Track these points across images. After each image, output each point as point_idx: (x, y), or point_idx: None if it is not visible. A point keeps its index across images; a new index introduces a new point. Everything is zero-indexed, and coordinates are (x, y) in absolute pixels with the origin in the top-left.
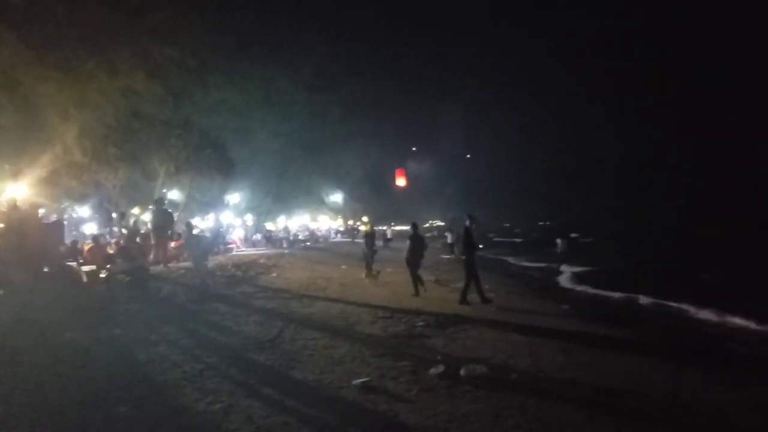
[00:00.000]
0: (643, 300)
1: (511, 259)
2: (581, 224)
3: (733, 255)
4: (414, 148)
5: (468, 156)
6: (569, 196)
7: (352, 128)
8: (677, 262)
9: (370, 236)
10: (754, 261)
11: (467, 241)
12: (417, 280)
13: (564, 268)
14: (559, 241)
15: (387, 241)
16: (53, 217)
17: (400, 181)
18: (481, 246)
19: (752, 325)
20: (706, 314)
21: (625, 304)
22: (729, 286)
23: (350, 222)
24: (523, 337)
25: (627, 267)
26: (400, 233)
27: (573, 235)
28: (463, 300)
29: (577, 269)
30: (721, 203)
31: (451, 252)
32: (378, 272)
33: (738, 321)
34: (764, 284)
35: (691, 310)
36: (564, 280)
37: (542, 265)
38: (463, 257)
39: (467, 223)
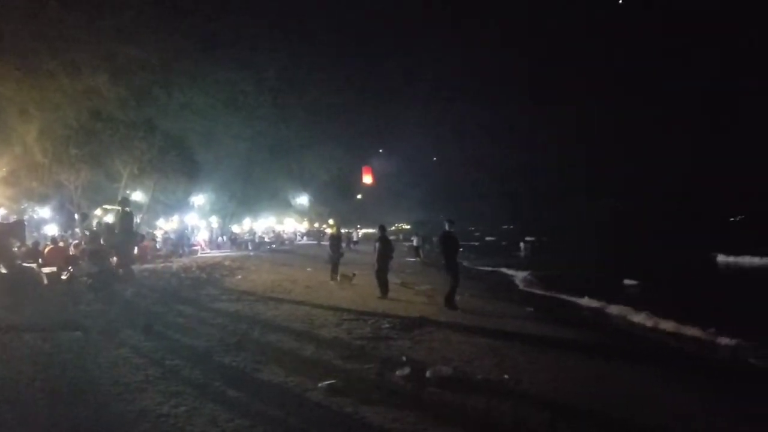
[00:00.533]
0: (591, 303)
1: (476, 264)
2: (542, 227)
3: (657, 260)
4: (380, 150)
5: (435, 159)
6: (533, 198)
7: (317, 131)
8: (608, 266)
9: (335, 239)
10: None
11: (447, 245)
12: (384, 283)
13: (520, 273)
14: (522, 244)
15: (353, 243)
16: (13, 218)
17: (367, 179)
18: (461, 249)
19: (687, 329)
20: (642, 318)
21: (579, 308)
22: (651, 291)
23: (316, 225)
24: (488, 340)
25: (575, 270)
26: (366, 236)
27: (529, 238)
28: (451, 305)
29: (538, 273)
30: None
31: (417, 255)
32: (353, 275)
33: (669, 325)
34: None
35: (629, 313)
36: (525, 283)
37: (511, 272)
38: (443, 262)
39: (447, 227)
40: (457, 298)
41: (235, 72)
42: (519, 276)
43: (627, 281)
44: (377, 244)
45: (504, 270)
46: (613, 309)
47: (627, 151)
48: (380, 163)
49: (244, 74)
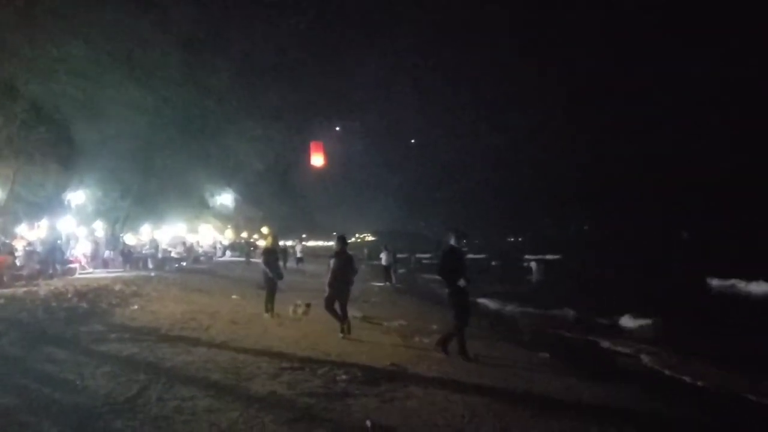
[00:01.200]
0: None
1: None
2: (551, 240)
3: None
4: (338, 128)
5: (413, 141)
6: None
7: (247, 101)
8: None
9: (272, 254)
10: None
11: (452, 268)
12: (342, 315)
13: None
14: (533, 264)
15: (297, 261)
16: None
17: (316, 159)
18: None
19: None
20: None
21: (606, 353)
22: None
23: (244, 234)
24: (486, 399)
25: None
26: (315, 251)
27: (547, 257)
28: (446, 349)
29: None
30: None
31: (386, 278)
32: (307, 307)
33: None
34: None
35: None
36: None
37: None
38: (447, 290)
39: (452, 241)
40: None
41: (130, 12)
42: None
43: (638, 321)
44: (332, 261)
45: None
46: (645, 358)
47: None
48: (335, 143)
49: (144, 16)
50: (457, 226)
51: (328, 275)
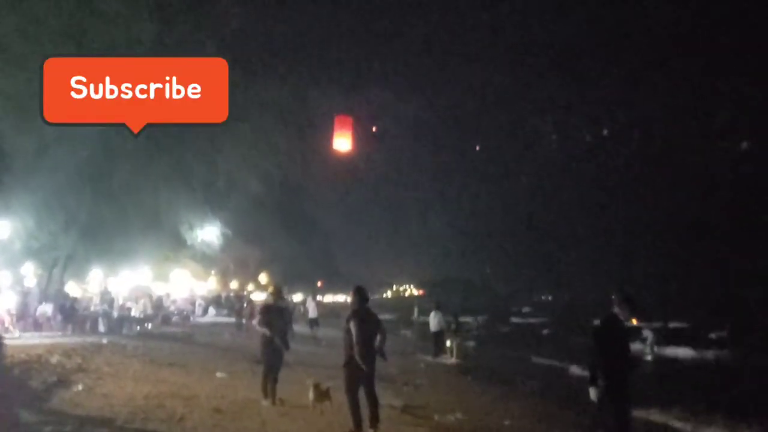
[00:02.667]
0: None
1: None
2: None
3: None
4: (374, 128)
5: (477, 148)
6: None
7: (242, 96)
8: None
9: (273, 313)
10: None
11: (611, 349)
12: (372, 403)
13: None
14: (649, 334)
15: (312, 323)
16: None
17: (342, 142)
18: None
19: None
20: None
21: None
22: None
23: (234, 285)
24: None
25: None
26: (334, 309)
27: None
28: None
29: None
30: None
31: (438, 349)
32: (326, 390)
33: None
34: None
35: None
36: None
37: None
38: (595, 386)
39: (615, 308)
40: None
41: None
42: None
43: None
44: (351, 325)
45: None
46: None
47: None
48: (368, 150)
49: None
50: (622, 286)
51: (345, 345)
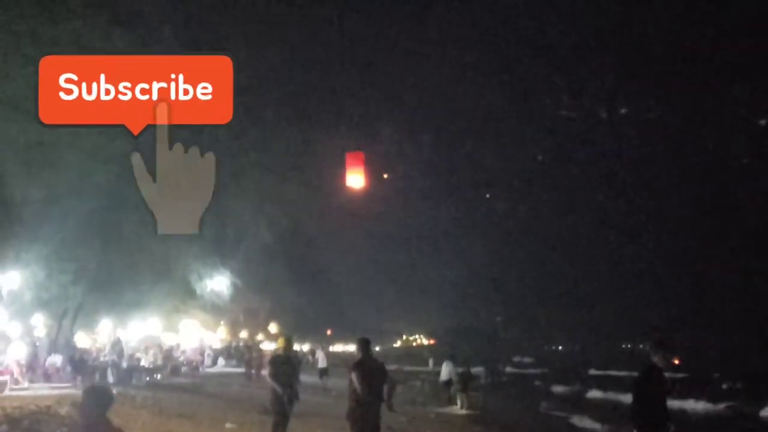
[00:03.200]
0: None
1: None
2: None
3: None
4: (385, 175)
5: (488, 196)
6: None
7: (253, 147)
8: None
9: (283, 364)
10: None
11: (648, 402)
12: None
13: None
14: None
15: (321, 373)
16: None
17: (355, 179)
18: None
19: None
20: None
21: None
22: None
23: (244, 335)
24: None
25: None
26: (344, 358)
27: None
28: None
29: None
30: None
31: (449, 399)
32: None
33: None
34: None
35: None
36: None
37: None
38: None
39: (653, 357)
40: None
41: (99, 24)
42: None
43: None
44: (353, 375)
45: None
46: None
47: None
48: (380, 196)
49: (114, 27)
50: (659, 333)
51: (349, 399)
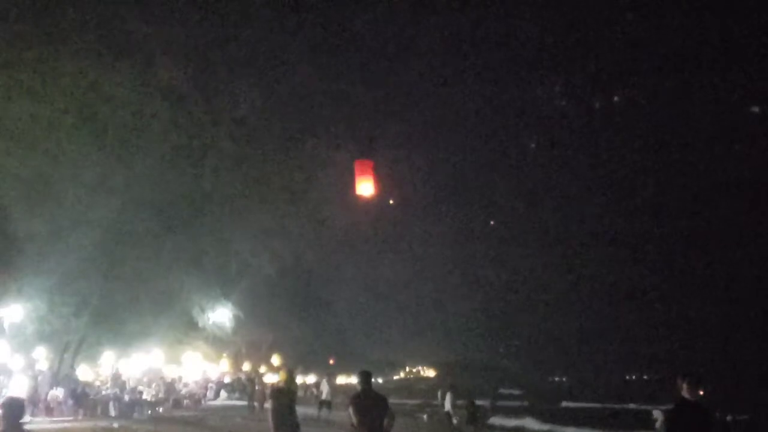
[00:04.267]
0: None
1: None
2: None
3: None
4: (391, 201)
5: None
6: None
7: (256, 181)
8: None
9: (285, 396)
10: None
11: None
12: None
13: None
14: (659, 415)
15: (323, 406)
16: None
17: (365, 187)
18: None
19: None
20: None
21: None
22: None
23: (246, 367)
24: None
25: None
26: (347, 391)
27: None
28: None
29: None
30: None
31: (452, 429)
32: None
33: None
34: None
35: None
36: None
37: None
38: None
39: (682, 392)
40: None
41: (102, 61)
42: None
43: None
44: (351, 408)
45: None
46: None
47: None
48: (383, 220)
49: (118, 65)
50: (691, 370)
51: (349, 429)
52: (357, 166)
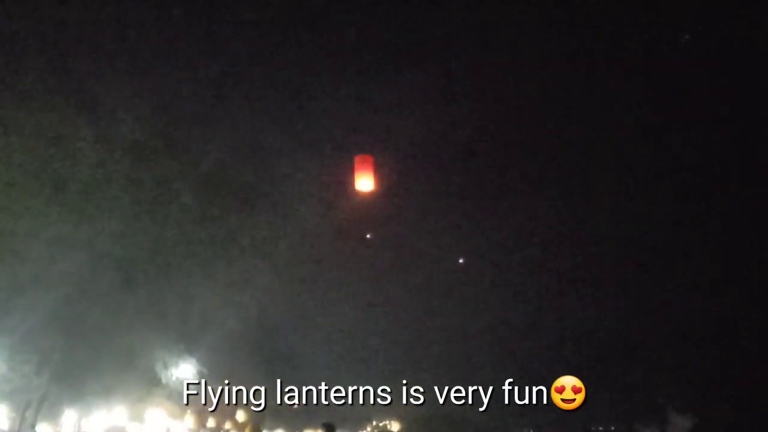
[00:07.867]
0: None
1: None
2: None
3: None
4: (369, 235)
5: (461, 261)
6: None
7: (219, 232)
8: None
9: None
10: None
11: None
12: None
13: None
14: None
15: None
16: None
17: (364, 182)
18: None
19: None
20: None
21: None
22: None
23: (211, 424)
24: None
25: None
26: None
27: None
28: None
29: None
30: None
31: None
32: None
33: None
34: None
35: None
36: None
37: None
38: None
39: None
40: None
41: (63, 114)
42: None
43: None
44: None
45: None
46: None
47: None
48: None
49: (80, 118)
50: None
51: None
52: (357, 161)
